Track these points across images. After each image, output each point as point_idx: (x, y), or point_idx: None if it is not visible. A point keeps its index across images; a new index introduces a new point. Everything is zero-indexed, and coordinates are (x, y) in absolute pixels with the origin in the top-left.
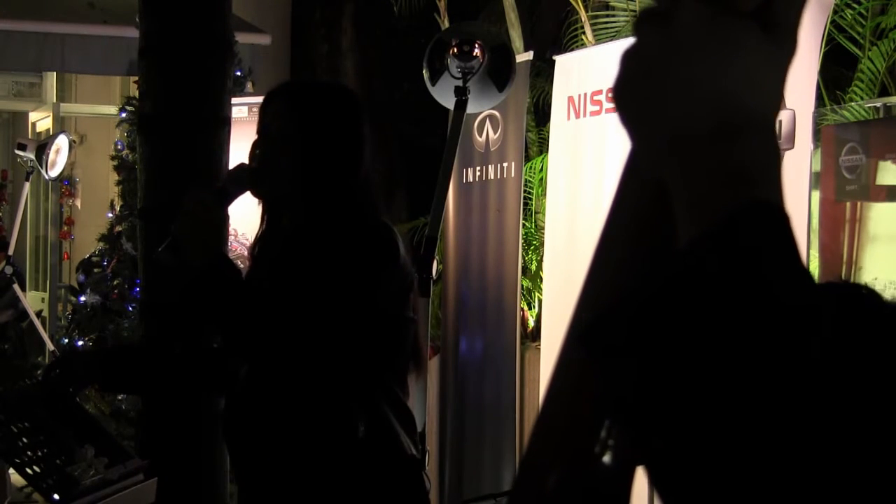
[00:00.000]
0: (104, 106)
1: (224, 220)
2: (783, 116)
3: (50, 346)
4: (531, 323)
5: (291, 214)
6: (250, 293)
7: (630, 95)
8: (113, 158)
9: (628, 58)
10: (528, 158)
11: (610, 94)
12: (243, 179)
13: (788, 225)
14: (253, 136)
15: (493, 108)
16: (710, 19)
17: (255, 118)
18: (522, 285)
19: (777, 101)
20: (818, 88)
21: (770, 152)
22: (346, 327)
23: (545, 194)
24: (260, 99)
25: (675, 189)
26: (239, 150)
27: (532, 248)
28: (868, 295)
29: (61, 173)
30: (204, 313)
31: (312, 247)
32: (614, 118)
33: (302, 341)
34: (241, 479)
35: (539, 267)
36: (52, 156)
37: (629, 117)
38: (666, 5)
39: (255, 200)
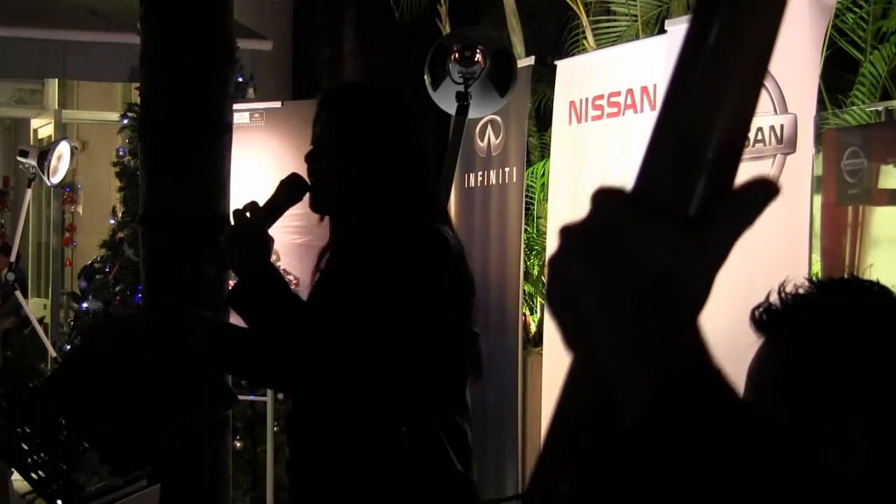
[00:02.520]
0: (106, 112)
1: (268, 235)
2: (784, 121)
3: (52, 352)
4: (533, 328)
5: (344, 225)
6: (301, 304)
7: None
8: (115, 165)
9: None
10: (529, 163)
11: (614, 99)
12: (293, 192)
13: (711, 381)
14: (254, 143)
15: (494, 113)
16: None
17: (257, 124)
18: (524, 290)
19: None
20: (819, 92)
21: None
22: (395, 340)
23: (547, 199)
24: (262, 105)
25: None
26: (241, 157)
27: (534, 253)
28: (878, 291)
29: (63, 180)
30: (249, 324)
31: (363, 257)
32: (616, 123)
33: (351, 355)
34: (293, 488)
35: (541, 272)
36: (53, 162)
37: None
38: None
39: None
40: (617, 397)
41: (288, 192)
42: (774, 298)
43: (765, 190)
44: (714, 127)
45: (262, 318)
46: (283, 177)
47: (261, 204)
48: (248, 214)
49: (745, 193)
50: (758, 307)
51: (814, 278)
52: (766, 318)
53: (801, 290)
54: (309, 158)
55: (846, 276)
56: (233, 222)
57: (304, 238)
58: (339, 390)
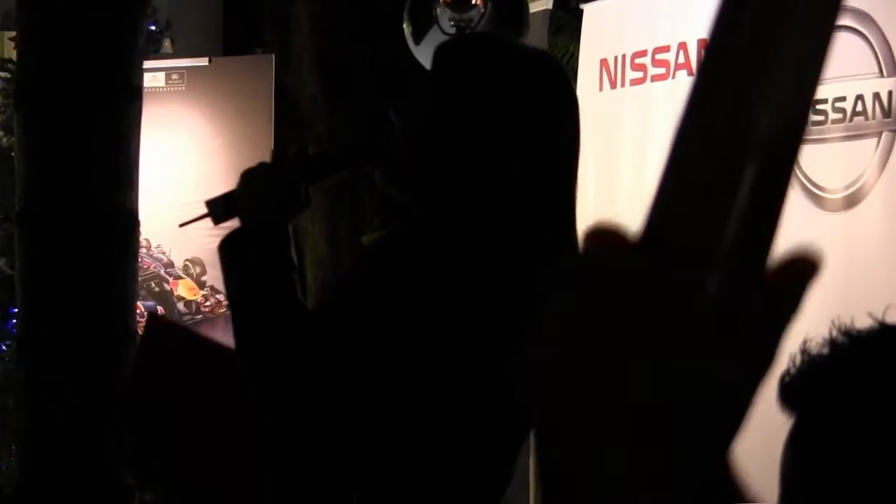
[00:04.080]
0: None
1: (308, 191)
2: (893, 86)
3: None
4: None
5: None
6: (295, 296)
7: None
8: None
9: None
10: None
11: (661, 56)
12: (360, 149)
13: None
14: (171, 114)
15: None
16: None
17: (176, 88)
18: None
19: None
20: None
21: None
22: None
23: None
24: (182, 62)
25: None
26: (153, 133)
27: None
28: None
29: None
30: (228, 285)
31: (394, 271)
32: (664, 88)
33: (320, 396)
34: None
35: None
36: None
37: None
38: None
39: (170, 202)
40: None
41: (352, 147)
42: (798, 357)
43: (809, 267)
44: (758, 135)
45: (245, 284)
46: (212, 159)
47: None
48: (293, 156)
49: (789, 273)
50: (786, 371)
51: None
52: (786, 387)
53: (837, 341)
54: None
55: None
56: (272, 159)
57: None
58: (279, 431)
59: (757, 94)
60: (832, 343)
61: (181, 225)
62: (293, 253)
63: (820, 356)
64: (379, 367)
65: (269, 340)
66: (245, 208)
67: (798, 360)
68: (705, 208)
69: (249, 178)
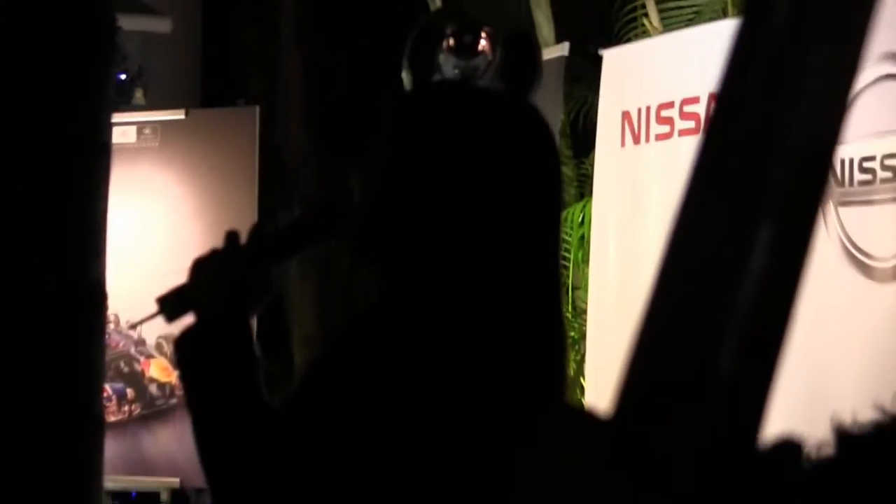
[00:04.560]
0: None
1: (270, 275)
2: None
3: None
4: None
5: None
6: (260, 397)
7: None
8: None
9: None
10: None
11: (690, 108)
12: (327, 221)
13: None
14: (144, 173)
15: None
16: None
17: (148, 144)
18: None
19: None
20: None
21: None
22: None
23: (587, 261)
24: (155, 115)
25: None
26: (124, 194)
27: (569, 342)
28: None
29: None
30: (186, 385)
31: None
32: (694, 143)
33: None
34: None
35: (579, 371)
36: None
37: None
38: None
39: (141, 273)
40: None
41: (319, 219)
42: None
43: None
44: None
45: (202, 388)
46: (187, 224)
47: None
48: (246, 239)
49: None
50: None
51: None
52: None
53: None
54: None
55: None
56: (223, 245)
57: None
58: None
59: (773, 145)
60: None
61: (131, 326)
62: (256, 347)
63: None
64: (348, 478)
65: (230, 450)
66: (198, 302)
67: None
68: (716, 270)
69: (201, 267)
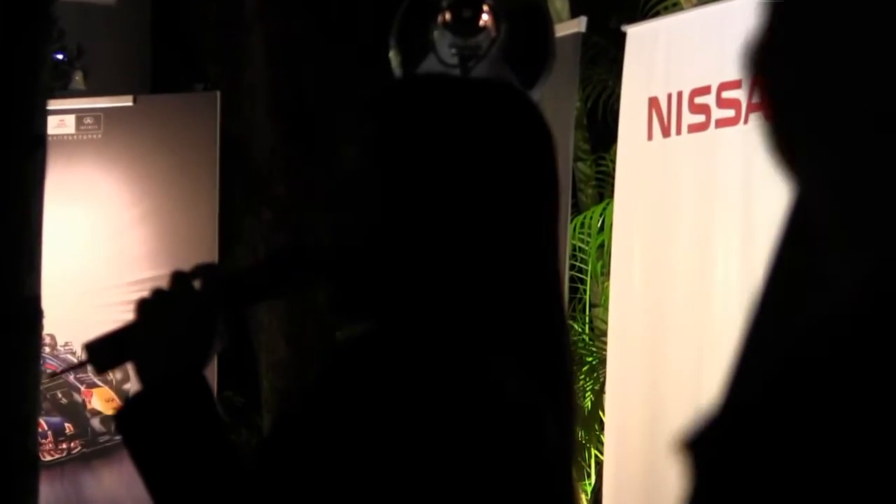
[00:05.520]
0: None
1: (210, 328)
2: None
3: None
4: None
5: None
6: (230, 455)
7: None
8: None
9: None
10: (577, 209)
11: (729, 94)
12: (286, 275)
13: None
14: (85, 168)
15: None
16: None
17: (90, 135)
18: None
19: None
20: None
21: None
22: None
23: (608, 272)
24: (98, 102)
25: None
26: (61, 194)
27: (585, 368)
28: None
29: None
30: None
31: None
32: (734, 136)
33: None
34: None
35: (597, 403)
36: None
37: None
38: None
39: (82, 287)
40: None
41: (279, 271)
42: None
43: None
44: None
45: (161, 461)
46: (134, 230)
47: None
48: (199, 280)
49: None
50: None
51: None
52: None
53: None
54: (333, 203)
55: None
56: (169, 285)
57: None
58: None
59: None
60: None
61: (53, 374)
62: (218, 408)
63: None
64: None
65: None
66: (142, 356)
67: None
68: None
69: (145, 312)
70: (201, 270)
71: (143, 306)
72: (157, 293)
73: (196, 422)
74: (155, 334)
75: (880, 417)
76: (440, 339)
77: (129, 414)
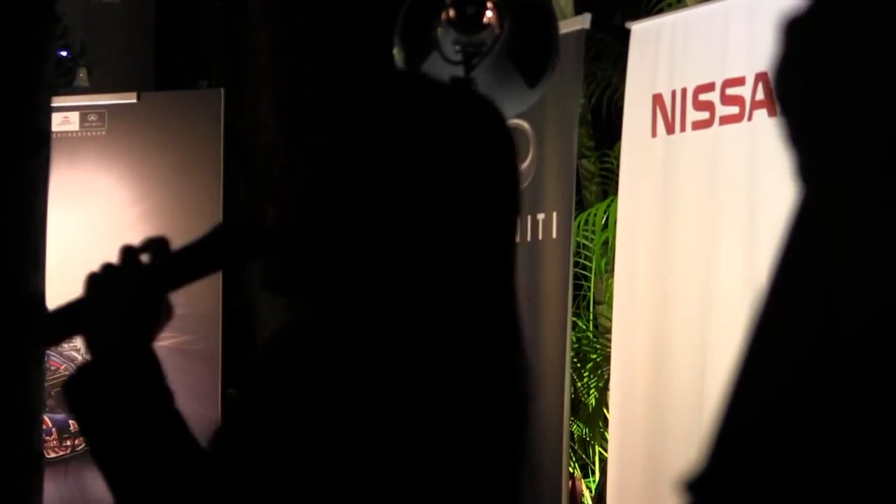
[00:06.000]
0: None
1: (168, 299)
2: None
3: None
4: (588, 501)
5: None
6: (184, 435)
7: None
8: None
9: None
10: (581, 206)
11: (733, 91)
12: (231, 249)
13: None
14: (88, 165)
15: (518, 117)
16: None
17: (94, 132)
18: (572, 433)
19: None
20: None
21: None
22: None
23: (612, 270)
24: (102, 99)
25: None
26: (65, 190)
27: (590, 365)
28: None
29: None
30: (87, 435)
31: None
32: (739, 133)
33: None
34: None
35: (601, 400)
36: None
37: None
38: None
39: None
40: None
41: (221, 246)
42: None
43: None
44: None
45: (111, 432)
46: (137, 226)
47: (173, 247)
48: (145, 256)
49: None
50: None
51: None
52: None
53: None
54: (286, 190)
55: None
56: (118, 260)
57: (177, 338)
58: None
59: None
60: None
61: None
62: (166, 380)
63: None
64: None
65: None
66: (90, 329)
67: None
68: None
69: (93, 286)
70: (149, 245)
71: (91, 281)
72: (106, 268)
73: (141, 393)
74: (103, 308)
75: (879, 458)
76: (385, 322)
77: (75, 385)
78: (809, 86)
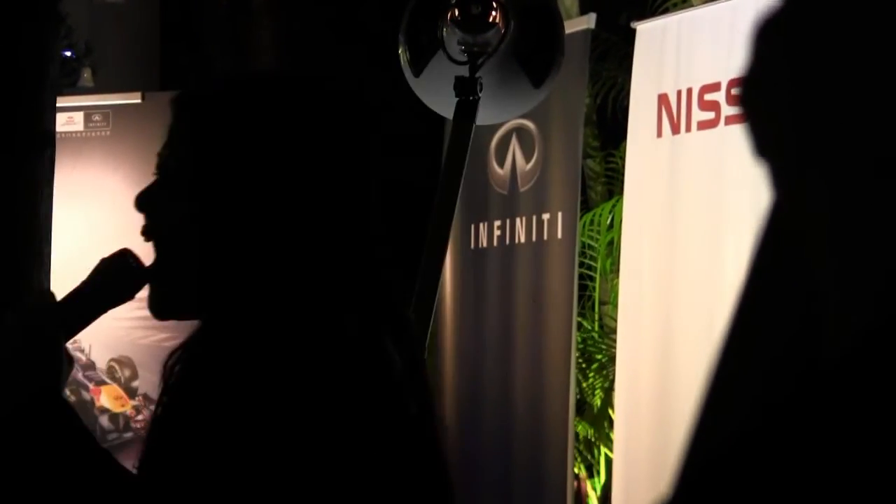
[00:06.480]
0: None
1: (64, 347)
2: None
3: None
4: (594, 502)
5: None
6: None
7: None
8: None
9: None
10: (587, 206)
11: (736, 91)
12: (115, 282)
13: None
14: (93, 165)
15: (522, 117)
16: None
17: (98, 132)
18: (578, 434)
19: None
20: None
21: None
22: None
23: (617, 270)
24: (107, 99)
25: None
26: (69, 189)
27: (595, 366)
28: None
29: None
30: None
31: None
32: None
33: None
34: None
35: (607, 401)
36: None
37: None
38: None
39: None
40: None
41: (106, 280)
42: None
43: None
44: None
45: (22, 480)
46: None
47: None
48: (39, 304)
49: None
50: None
51: None
52: None
53: None
54: (144, 207)
55: None
56: (13, 314)
57: (157, 336)
58: None
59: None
60: None
61: None
62: (80, 421)
63: None
64: None
65: None
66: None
67: None
68: None
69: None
70: (36, 295)
71: None
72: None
73: (58, 442)
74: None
75: (860, 462)
76: (275, 322)
77: None
78: (787, 90)
